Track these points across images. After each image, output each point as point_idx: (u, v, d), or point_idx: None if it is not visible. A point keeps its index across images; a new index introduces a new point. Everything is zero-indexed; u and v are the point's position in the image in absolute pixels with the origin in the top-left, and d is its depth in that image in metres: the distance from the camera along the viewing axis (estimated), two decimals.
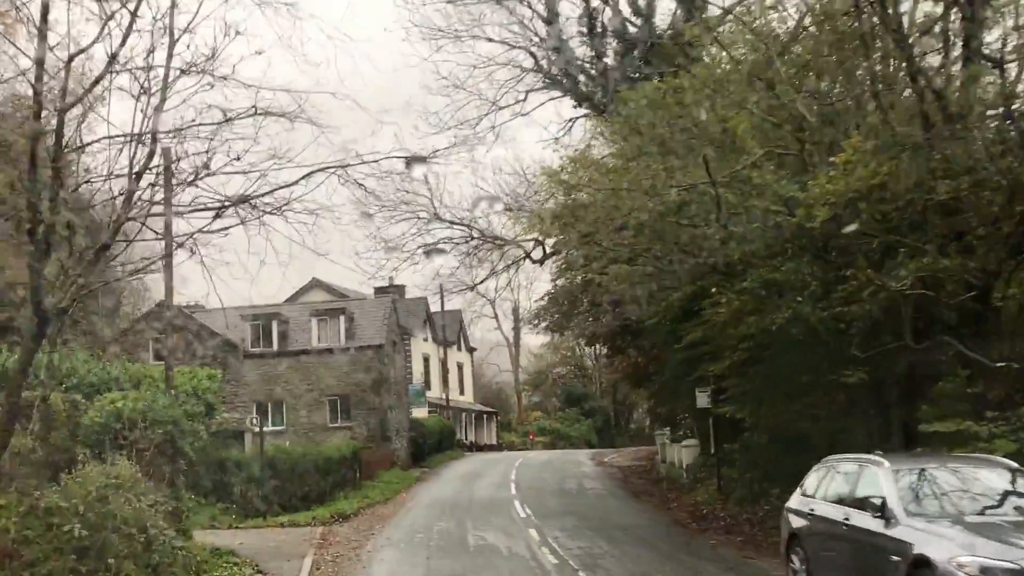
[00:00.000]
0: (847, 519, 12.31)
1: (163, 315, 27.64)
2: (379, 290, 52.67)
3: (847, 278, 18.76)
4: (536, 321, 43.83)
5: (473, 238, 31.49)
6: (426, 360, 73.22)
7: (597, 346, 45.59)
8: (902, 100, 20.93)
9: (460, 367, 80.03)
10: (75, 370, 20.00)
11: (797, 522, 14.00)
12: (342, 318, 49.37)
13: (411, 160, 17.57)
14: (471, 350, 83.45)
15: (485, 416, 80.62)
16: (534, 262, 34.30)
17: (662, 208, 20.13)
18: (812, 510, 13.59)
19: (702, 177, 20.49)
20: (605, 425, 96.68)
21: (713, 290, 20.61)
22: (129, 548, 11.89)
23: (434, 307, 74.84)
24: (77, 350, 24.51)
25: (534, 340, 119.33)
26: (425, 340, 73.53)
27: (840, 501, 12.85)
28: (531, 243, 32.99)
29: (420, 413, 65.21)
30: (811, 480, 14.32)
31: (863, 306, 18.12)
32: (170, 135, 16.07)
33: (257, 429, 31.47)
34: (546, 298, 43.06)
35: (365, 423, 48.42)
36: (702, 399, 30.17)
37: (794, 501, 14.51)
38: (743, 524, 24.43)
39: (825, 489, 13.59)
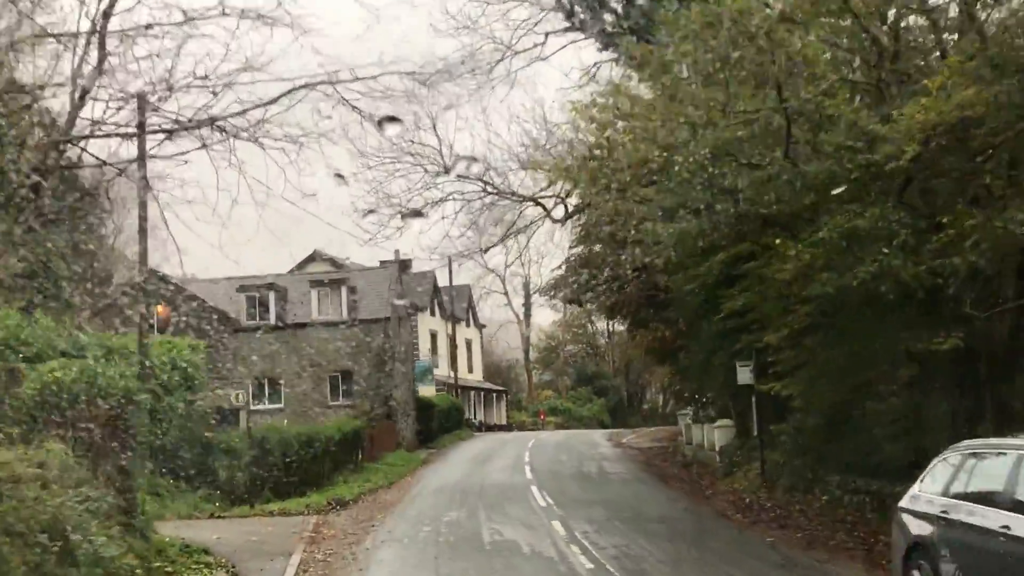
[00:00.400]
0: (1007, 528, 9.09)
1: (142, 280, 24.52)
2: (384, 263, 49.40)
3: (943, 225, 15.51)
4: (552, 292, 40.51)
5: (488, 193, 28.19)
6: (433, 336, 70.09)
7: (617, 321, 42.31)
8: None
9: (469, 344, 76.94)
10: (14, 333, 16.80)
11: (921, 528, 10.75)
12: (344, 290, 46.18)
13: (418, 79, 14.32)
14: (480, 326, 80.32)
15: (495, 395, 77.59)
16: (555, 221, 31.05)
17: (717, 142, 16.85)
18: (945, 513, 10.35)
19: (763, 109, 17.26)
20: (618, 405, 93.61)
21: (777, 242, 17.31)
22: (30, 558, 8.75)
23: (442, 282, 71.76)
24: (41, 317, 21.37)
25: (545, 317, 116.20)
26: (432, 315, 70.40)
27: (991, 502, 9.62)
28: (551, 200, 29.71)
29: (427, 391, 62.13)
30: (938, 473, 11.08)
31: (966, 257, 14.84)
32: (118, 39, 12.78)
33: (242, 404, 28.22)
34: (563, 267, 39.77)
35: (368, 401, 45.33)
36: (744, 375, 26.93)
37: (913, 500, 11.27)
38: (796, 517, 21.25)
39: (963, 485, 10.36)
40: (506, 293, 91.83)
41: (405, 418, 47.79)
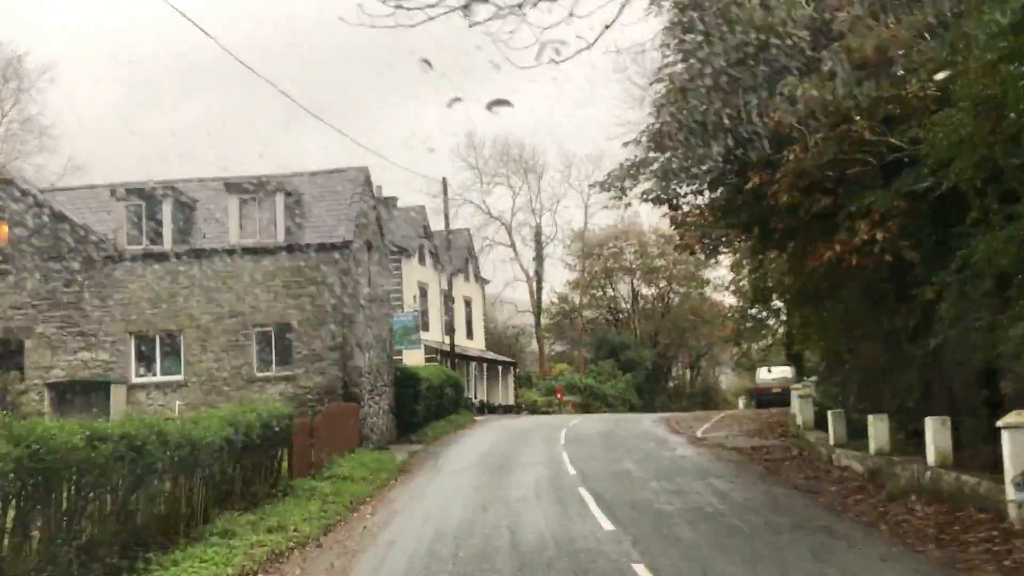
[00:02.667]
0: None
1: None
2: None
3: None
4: (620, 184, 23.79)
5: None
6: (423, 290, 53.83)
7: (736, 239, 25.73)
8: None
9: (468, 303, 60.69)
10: None
11: None
12: (280, 199, 29.75)
13: None
14: (482, 282, 63.96)
15: (500, 368, 61.29)
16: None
17: None
18: None
19: None
20: (647, 381, 77.67)
21: None
22: None
23: (435, 226, 55.60)
24: None
25: (557, 276, 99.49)
26: (422, 263, 54.13)
27: None
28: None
29: (412, 358, 45.99)
30: None
31: None
32: None
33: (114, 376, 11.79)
34: (642, 138, 23.13)
35: (318, 371, 29.02)
36: None
37: None
38: None
39: None
40: (513, 245, 75.70)
41: (376, 397, 31.50)
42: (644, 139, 22.73)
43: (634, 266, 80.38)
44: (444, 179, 47.05)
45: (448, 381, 41.08)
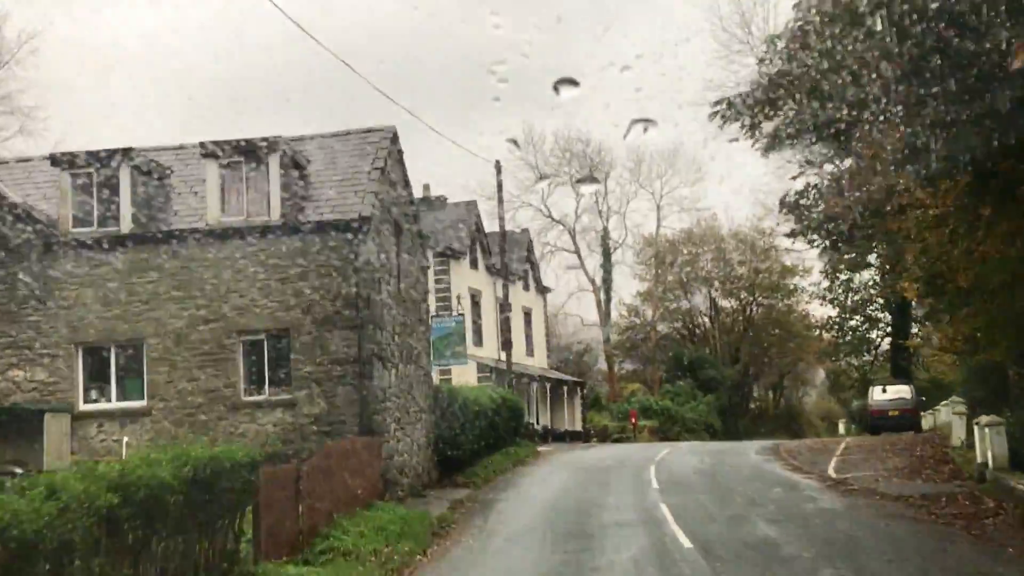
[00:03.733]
0: None
1: None
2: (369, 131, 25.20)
3: None
4: (753, 110, 15.83)
5: None
6: (474, 299, 46.28)
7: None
8: None
9: (527, 315, 52.96)
10: None
11: None
12: (275, 164, 22.24)
13: None
14: (543, 291, 56.12)
15: (565, 389, 53.35)
16: None
17: None
18: None
19: None
20: (729, 403, 69.15)
21: None
22: None
23: (489, 228, 48.09)
24: None
25: (626, 285, 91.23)
26: (474, 268, 46.62)
27: None
28: None
29: (463, 377, 38.45)
30: None
31: None
32: None
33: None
34: (766, 78, 15.13)
35: (326, 394, 21.41)
36: None
37: None
38: None
39: None
40: (577, 251, 67.83)
41: (406, 428, 23.76)
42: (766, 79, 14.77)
43: (712, 275, 72.08)
44: (497, 162, 39.48)
45: (504, 405, 33.30)
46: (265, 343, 21.73)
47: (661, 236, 70.74)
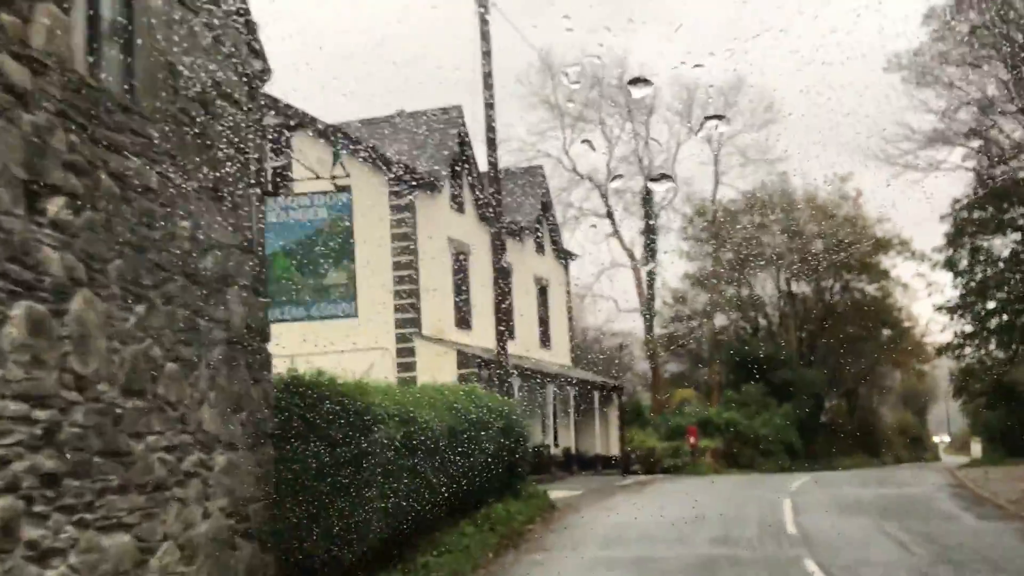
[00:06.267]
0: None
1: None
2: None
3: None
4: None
5: None
6: (460, 255, 30.37)
7: None
8: None
9: (542, 289, 36.89)
10: None
11: None
12: None
13: None
14: (565, 256, 39.76)
15: (596, 396, 36.90)
16: None
17: None
18: None
19: None
20: (808, 416, 52.73)
21: None
22: None
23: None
24: None
25: (672, 266, 72.36)
26: (459, 210, 30.66)
27: None
28: None
29: (436, 370, 22.99)
30: None
31: None
32: None
33: None
34: None
35: None
36: None
37: None
38: None
39: None
40: (610, 214, 51.57)
41: (144, 501, 7.53)
42: None
43: (781, 251, 55.72)
44: (481, 14, 23.11)
45: (491, 419, 17.15)
46: None
47: (719, 201, 54.46)
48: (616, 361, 50.59)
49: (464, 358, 26.90)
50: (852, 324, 57.78)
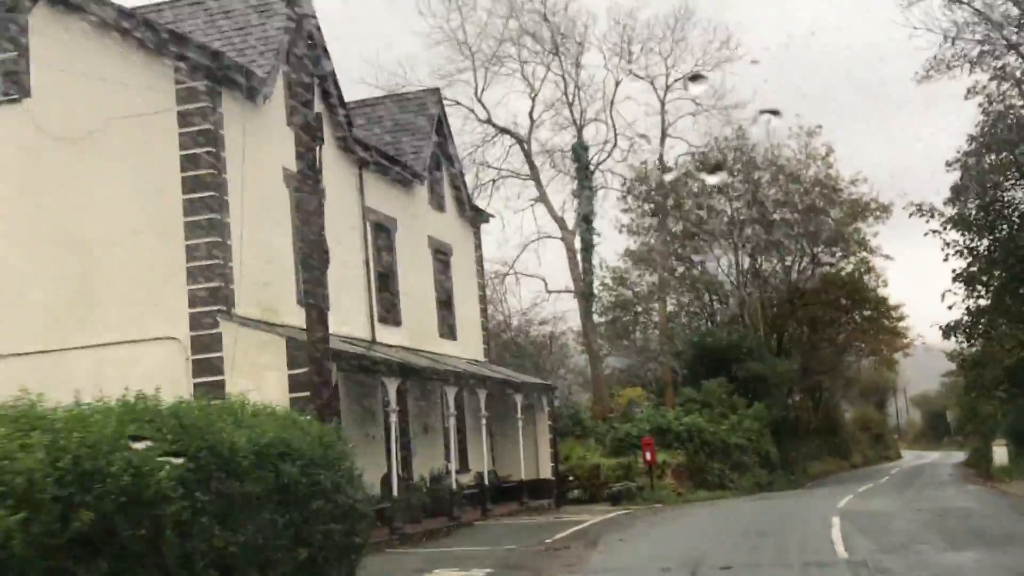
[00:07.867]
0: None
1: None
2: None
3: None
4: None
5: None
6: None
7: None
8: None
9: (443, 255, 26.94)
10: None
11: None
12: None
13: None
14: (474, 213, 29.72)
15: (518, 400, 26.89)
16: None
17: None
18: None
19: None
20: (784, 418, 43.58)
21: None
22: None
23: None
24: None
25: (611, 242, 61.90)
26: (320, 142, 20.46)
27: None
28: None
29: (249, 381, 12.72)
30: None
31: None
32: None
33: None
34: None
35: None
36: None
37: None
38: None
39: None
40: (535, 175, 41.61)
41: None
42: None
43: (742, 218, 46.49)
44: None
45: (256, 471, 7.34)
46: None
47: (665, 159, 44.90)
48: (546, 354, 40.81)
49: (295, 357, 16.85)
50: (824, 305, 49.01)
